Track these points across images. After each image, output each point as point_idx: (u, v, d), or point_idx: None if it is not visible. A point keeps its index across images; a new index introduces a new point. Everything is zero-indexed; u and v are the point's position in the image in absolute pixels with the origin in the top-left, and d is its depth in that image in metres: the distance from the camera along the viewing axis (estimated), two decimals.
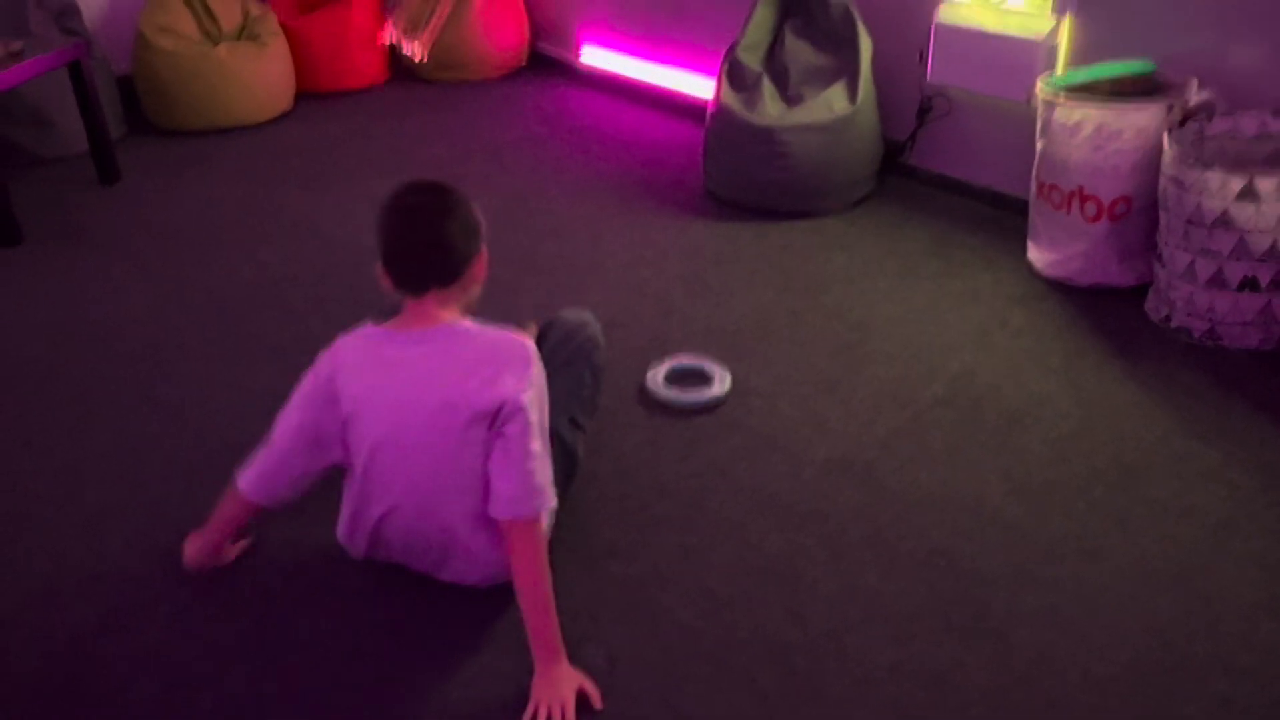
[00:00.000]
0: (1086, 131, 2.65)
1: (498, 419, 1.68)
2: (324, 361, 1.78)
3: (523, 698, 1.66)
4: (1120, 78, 2.76)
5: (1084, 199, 2.72)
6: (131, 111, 4.27)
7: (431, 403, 1.70)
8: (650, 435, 2.32)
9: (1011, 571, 1.91)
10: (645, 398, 2.45)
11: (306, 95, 4.54)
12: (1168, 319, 2.62)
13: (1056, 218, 2.80)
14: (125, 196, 3.66)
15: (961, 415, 2.36)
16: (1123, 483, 2.13)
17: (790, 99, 3.34)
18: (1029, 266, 2.96)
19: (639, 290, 2.94)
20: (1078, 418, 2.33)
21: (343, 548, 1.91)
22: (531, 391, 1.70)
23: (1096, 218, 2.71)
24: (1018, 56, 3.01)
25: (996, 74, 3.08)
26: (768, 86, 3.36)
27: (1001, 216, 3.25)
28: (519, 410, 1.68)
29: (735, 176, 3.37)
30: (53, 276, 3.11)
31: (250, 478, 1.82)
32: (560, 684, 1.65)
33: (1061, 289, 2.85)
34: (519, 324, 1.93)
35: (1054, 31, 2.97)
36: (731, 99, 3.36)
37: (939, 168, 3.48)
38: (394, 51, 4.76)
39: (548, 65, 4.90)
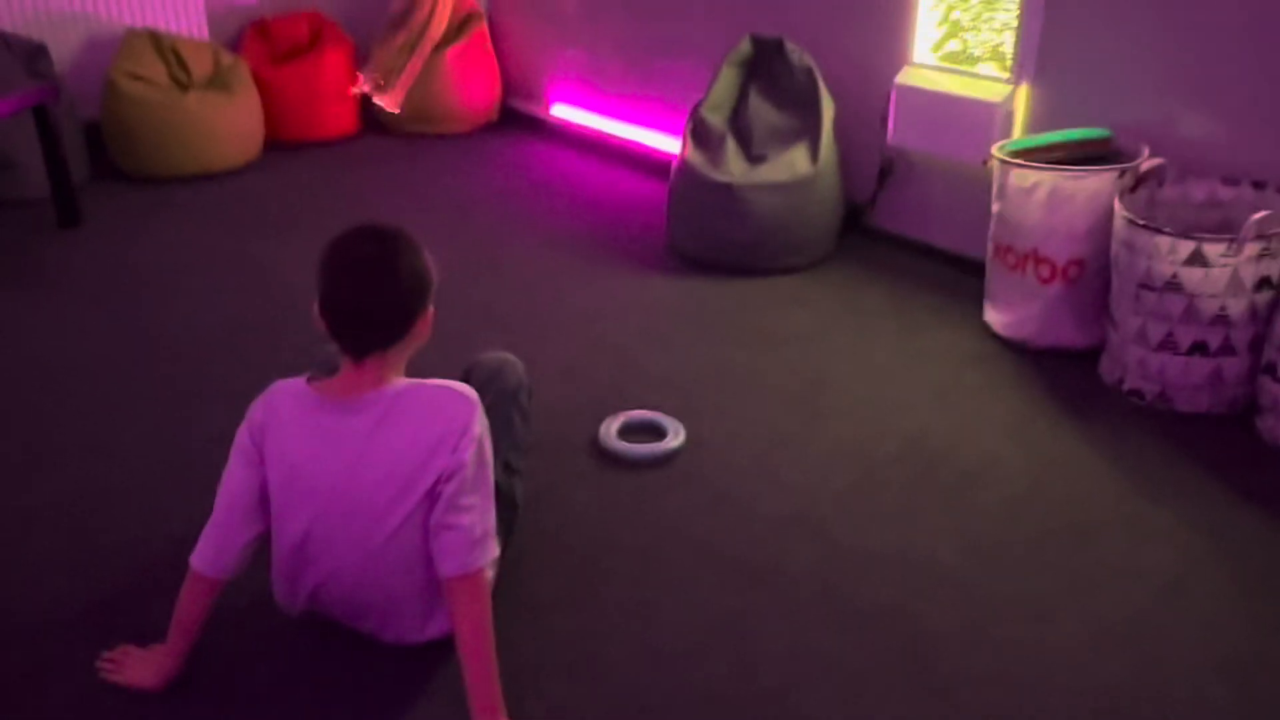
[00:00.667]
0: (1040, 195, 2.69)
1: (440, 481, 1.63)
2: (255, 413, 1.71)
3: None
4: (1075, 143, 2.81)
5: (1038, 261, 2.75)
6: (98, 157, 4.26)
7: (375, 478, 1.65)
8: (601, 488, 2.30)
9: (962, 631, 1.90)
10: (598, 450, 2.43)
11: (276, 144, 4.55)
12: (1120, 381, 2.64)
13: (1012, 279, 2.83)
14: (85, 241, 3.63)
15: (915, 473, 2.35)
16: (1075, 543, 2.12)
17: (753, 158, 3.38)
18: (986, 327, 2.99)
19: (597, 343, 2.93)
20: (1031, 478, 2.33)
21: (279, 604, 1.86)
22: (473, 448, 1.64)
23: (1050, 279, 2.75)
24: (976, 120, 3.07)
25: (955, 137, 3.13)
26: (731, 145, 3.40)
27: (960, 278, 3.28)
28: (460, 468, 1.63)
29: (698, 233, 3.40)
30: (4, 318, 3.07)
31: (202, 554, 1.72)
32: None
33: (1017, 350, 2.87)
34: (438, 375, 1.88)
35: (1011, 97, 3.03)
36: (695, 156, 3.40)
37: (899, 229, 3.52)
38: (366, 103, 4.78)
39: (519, 121, 4.95)
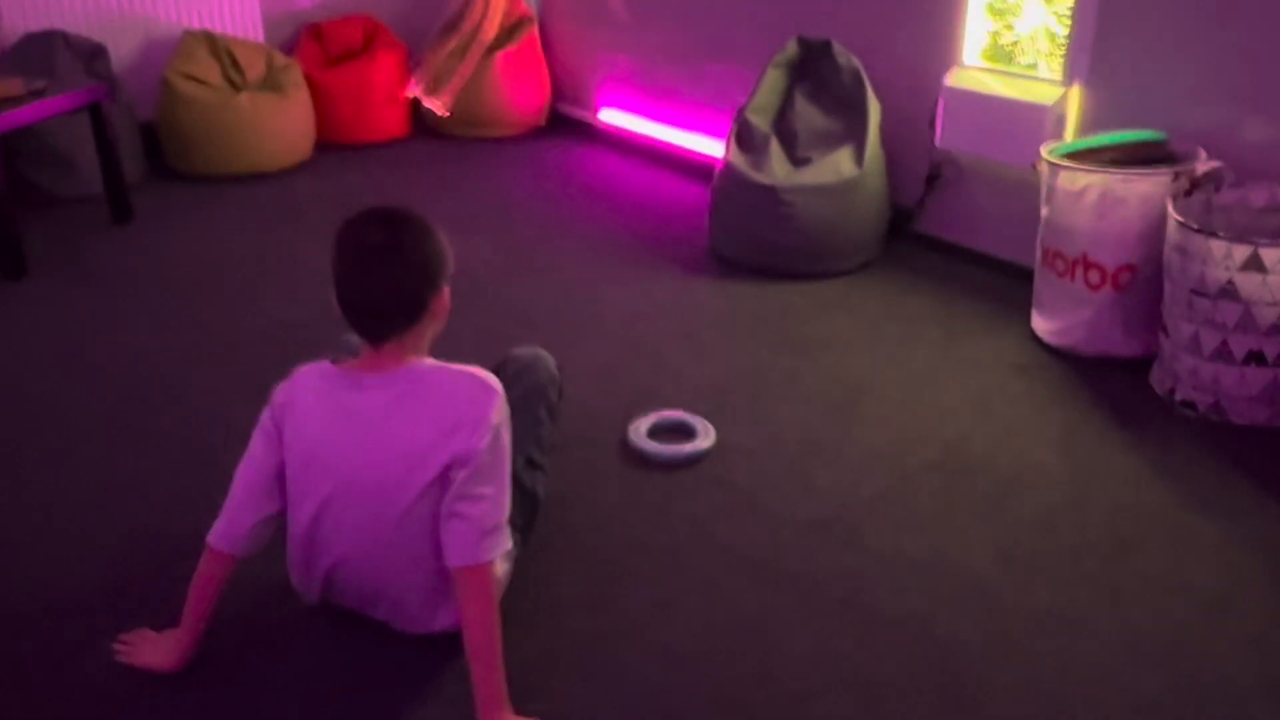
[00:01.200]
0: (1091, 198, 2.61)
1: (452, 467, 1.61)
2: (278, 395, 1.72)
3: None
4: (1128, 145, 2.72)
5: (1088, 266, 2.66)
6: (154, 157, 4.34)
7: (388, 457, 1.64)
8: (628, 489, 2.27)
9: (992, 641, 1.83)
10: (627, 450, 2.40)
11: (328, 146, 4.60)
12: (1172, 392, 2.54)
13: (1060, 285, 2.75)
14: (136, 237, 3.69)
15: (952, 481, 2.28)
16: (1116, 555, 2.04)
17: (797, 161, 3.33)
18: (1033, 335, 2.90)
19: (633, 345, 2.90)
20: (1073, 488, 2.25)
21: (297, 593, 1.86)
22: (489, 436, 1.62)
23: (1100, 285, 2.66)
24: (1026, 122, 2.99)
25: (1004, 140, 3.05)
26: (775, 148, 3.35)
27: (1008, 285, 3.20)
28: (474, 455, 1.61)
29: (740, 236, 3.35)
30: (54, 310, 3.12)
31: (216, 529, 1.73)
32: None
33: (1065, 358, 2.78)
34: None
35: (1063, 99, 2.94)
36: (739, 159, 3.36)
37: (946, 235, 3.45)
38: (417, 106, 4.82)
39: (567, 125, 4.95)
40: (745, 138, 3.42)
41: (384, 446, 1.64)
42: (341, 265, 1.62)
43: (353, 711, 1.69)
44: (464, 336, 2.94)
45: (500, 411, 1.66)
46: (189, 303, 3.18)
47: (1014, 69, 3.18)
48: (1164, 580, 1.97)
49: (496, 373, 1.94)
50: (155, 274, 3.38)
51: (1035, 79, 3.08)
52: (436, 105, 4.68)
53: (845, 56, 3.37)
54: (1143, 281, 2.64)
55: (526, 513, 1.90)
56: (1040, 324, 2.86)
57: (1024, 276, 3.09)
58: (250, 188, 4.19)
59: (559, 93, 4.98)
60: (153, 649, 1.77)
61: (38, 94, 3.43)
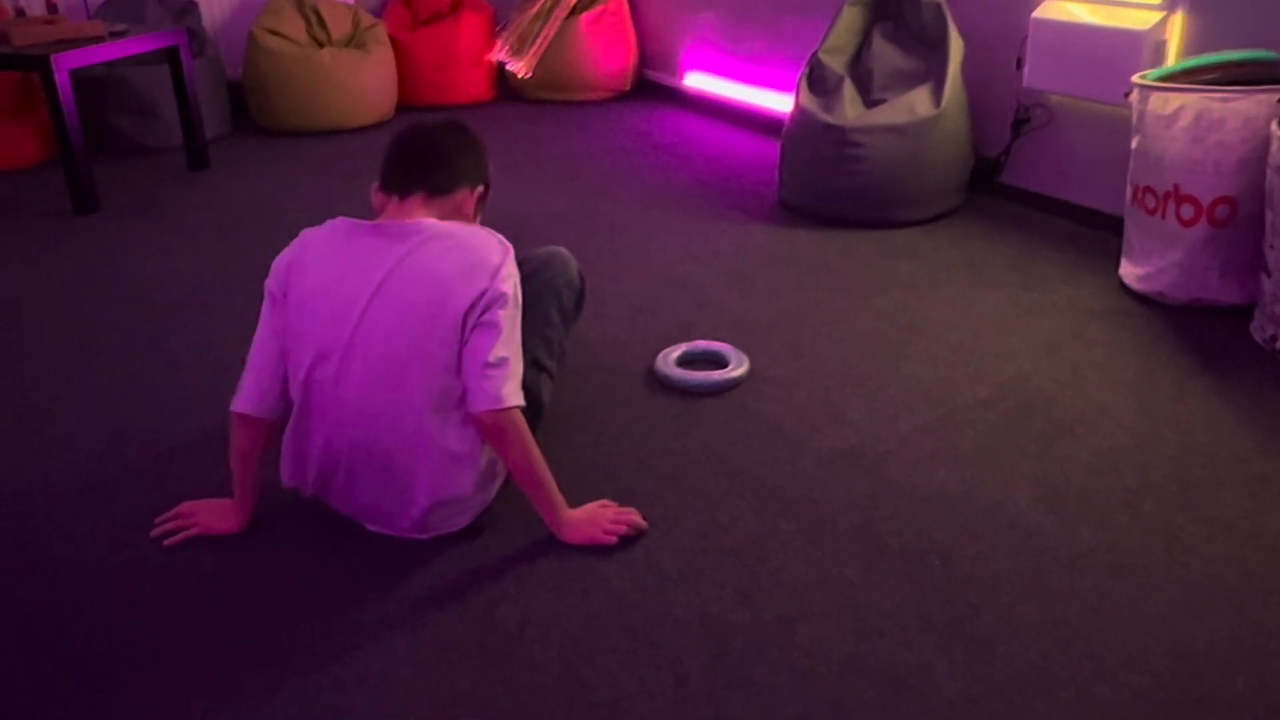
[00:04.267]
0: (1184, 122, 2.33)
1: (476, 308, 1.57)
2: (282, 259, 1.68)
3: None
4: (1231, 64, 2.43)
5: (1180, 200, 2.38)
6: (240, 113, 4.40)
7: (410, 292, 1.57)
8: (644, 412, 2.11)
9: (1018, 578, 1.60)
10: (652, 378, 2.24)
11: (411, 108, 4.58)
12: (1273, 339, 2.24)
13: (1149, 225, 2.47)
14: (208, 183, 3.72)
15: (1002, 418, 2.05)
16: (1180, 499, 1.78)
17: (872, 103, 3.12)
18: (1120, 284, 2.62)
19: (679, 284, 2.74)
20: (1140, 431, 1.99)
21: (292, 491, 1.76)
22: (510, 283, 1.61)
23: (1193, 221, 2.37)
24: (1122, 53, 2.71)
25: (1098, 74, 2.78)
26: (849, 89, 3.15)
27: (1098, 237, 2.92)
28: (501, 297, 1.58)
29: (807, 182, 3.15)
30: (112, 240, 3.15)
31: (239, 397, 1.69)
32: (585, 516, 1.70)
33: (1152, 306, 2.50)
34: None
35: (1162, 24, 2.66)
36: (809, 101, 3.16)
37: (1034, 185, 3.17)
38: (502, 70, 4.77)
39: (654, 91, 4.83)
40: (817, 79, 3.23)
41: (406, 281, 1.59)
42: (397, 134, 1.75)
43: (312, 604, 1.58)
44: None
45: (512, 269, 1.64)
46: (241, 239, 3.16)
47: None
48: (1233, 527, 1.70)
49: None
50: (217, 215, 3.39)
51: (1132, 4, 2.79)
52: (518, 67, 4.62)
53: None
54: (1242, 218, 2.34)
55: (530, 418, 1.76)
56: (1128, 270, 2.58)
57: (1117, 227, 2.81)
58: (328, 143, 4.20)
59: (646, 59, 4.87)
60: (212, 515, 1.75)
61: (117, 35, 3.50)
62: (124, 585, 1.62)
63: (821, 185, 3.10)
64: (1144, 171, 2.46)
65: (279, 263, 1.69)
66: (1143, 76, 2.48)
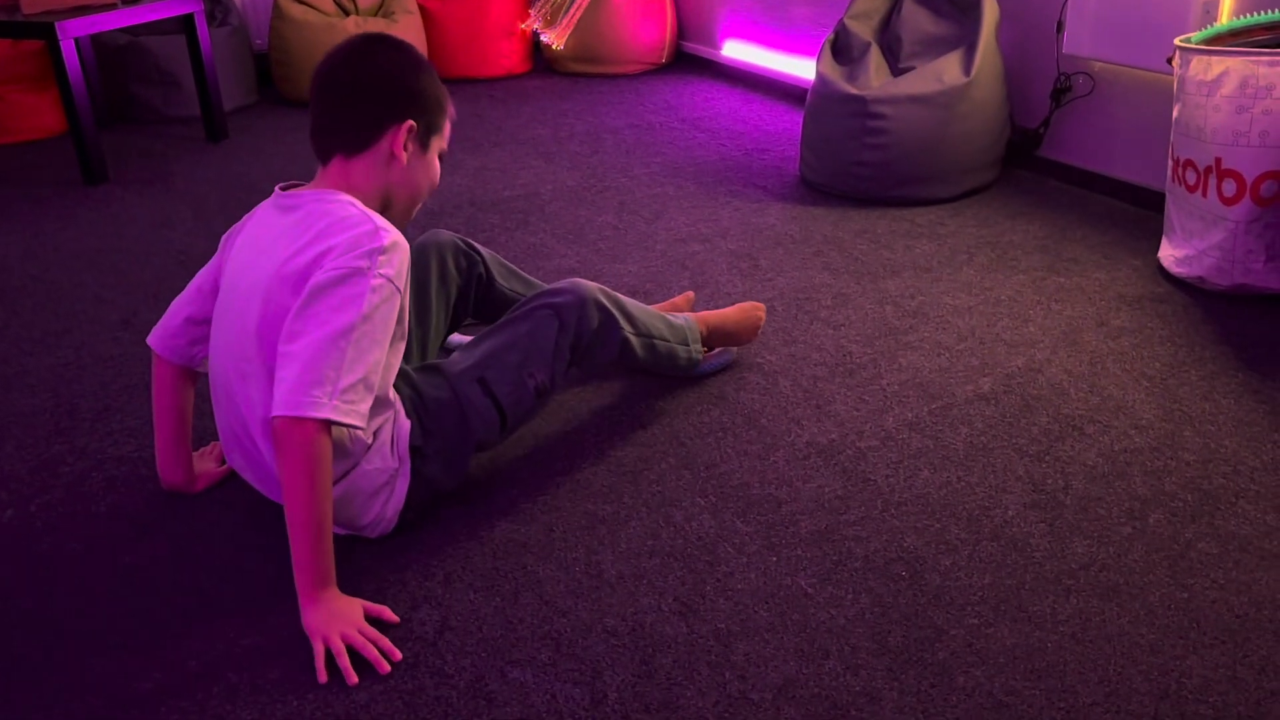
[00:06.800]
0: (1228, 88, 2.10)
1: (301, 293, 1.37)
2: (232, 229, 1.60)
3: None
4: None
5: (1222, 175, 2.15)
6: (266, 84, 4.33)
7: (265, 267, 1.43)
8: (607, 399, 1.96)
9: (993, 597, 1.42)
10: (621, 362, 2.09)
11: (441, 80, 4.46)
12: None
13: (1190, 203, 2.24)
14: (223, 153, 3.65)
15: (1003, 414, 1.86)
16: (1193, 511, 1.58)
17: (899, 72, 2.91)
18: (1158, 267, 2.39)
19: (679, 263, 2.58)
20: (1158, 431, 1.79)
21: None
22: (343, 271, 1.35)
23: (1236, 199, 2.14)
24: (1169, 14, 2.47)
25: (1143, 39, 2.55)
26: (875, 57, 2.94)
27: (1140, 215, 2.69)
28: (330, 286, 1.34)
29: (826, 157, 2.96)
30: (117, 211, 3.10)
31: (154, 331, 1.62)
32: (338, 610, 1.36)
33: (1190, 292, 2.28)
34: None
35: None
36: (831, 70, 2.97)
37: (1075, 160, 2.94)
38: (537, 42, 4.64)
39: (691, 63, 4.65)
40: (842, 47, 3.03)
41: (269, 255, 1.43)
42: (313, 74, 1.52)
43: (222, 600, 1.47)
44: (500, 246, 2.71)
45: (389, 267, 1.39)
46: (244, 209, 3.08)
47: None
48: (1248, 544, 1.50)
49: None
50: (225, 185, 3.32)
51: None
52: (551, 38, 4.48)
53: None
54: None
55: (487, 422, 1.61)
56: (1167, 252, 2.36)
57: (1163, 205, 2.57)
58: None
59: (684, 30, 4.69)
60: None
61: (131, 3, 3.44)
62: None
63: (841, 160, 2.91)
64: (1184, 143, 2.23)
65: (230, 230, 1.61)
66: (1186, 39, 2.25)
